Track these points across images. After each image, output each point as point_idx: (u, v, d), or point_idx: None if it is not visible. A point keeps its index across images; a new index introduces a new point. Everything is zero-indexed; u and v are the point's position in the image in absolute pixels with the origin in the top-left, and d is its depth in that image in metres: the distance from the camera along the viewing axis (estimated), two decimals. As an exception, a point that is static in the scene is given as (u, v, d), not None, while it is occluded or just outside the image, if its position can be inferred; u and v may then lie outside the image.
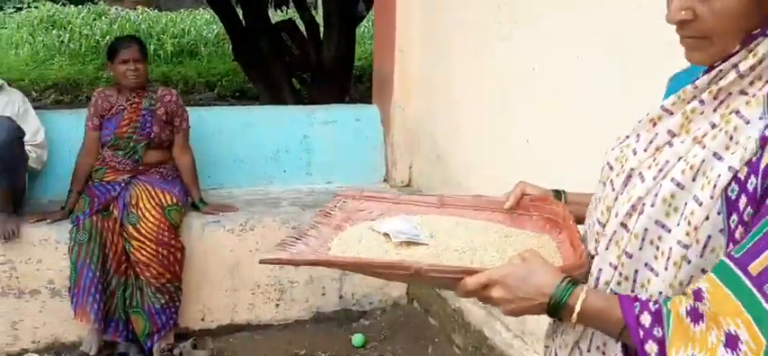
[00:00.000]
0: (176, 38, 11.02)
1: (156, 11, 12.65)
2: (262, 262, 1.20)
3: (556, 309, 1.03)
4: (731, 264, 0.92)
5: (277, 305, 3.51)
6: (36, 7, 12.27)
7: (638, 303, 0.99)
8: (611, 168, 1.12)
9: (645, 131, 1.08)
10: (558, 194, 1.39)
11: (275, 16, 8.95)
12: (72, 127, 3.52)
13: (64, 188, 3.36)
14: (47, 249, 3.13)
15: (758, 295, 0.89)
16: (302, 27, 7.26)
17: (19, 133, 2.99)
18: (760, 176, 0.93)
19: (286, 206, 3.56)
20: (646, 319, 0.97)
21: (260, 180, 3.86)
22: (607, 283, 1.08)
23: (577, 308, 1.01)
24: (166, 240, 3.10)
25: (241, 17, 6.91)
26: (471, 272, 1.09)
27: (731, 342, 0.89)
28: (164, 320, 3.13)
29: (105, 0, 12.98)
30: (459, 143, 3.35)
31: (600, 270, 1.09)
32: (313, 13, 7.23)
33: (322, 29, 6.99)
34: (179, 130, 3.36)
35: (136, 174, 3.24)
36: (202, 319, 3.41)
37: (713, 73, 1.00)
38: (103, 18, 11.70)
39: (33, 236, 3.11)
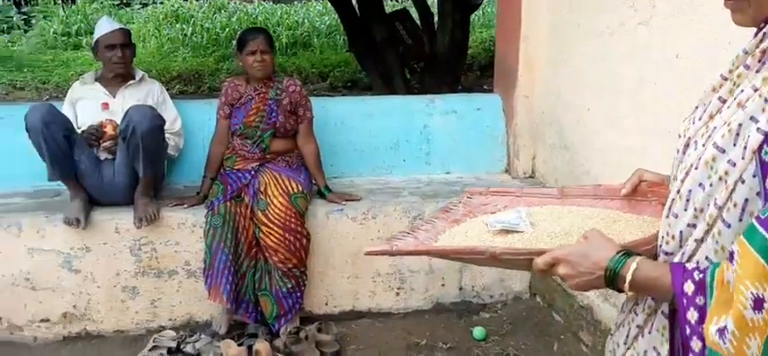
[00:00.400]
0: (291, 29, 11.32)
1: (271, 3, 13.05)
2: (367, 253, 1.35)
3: (612, 280, 1.09)
4: (758, 225, 0.92)
5: (397, 294, 3.52)
6: (161, 3, 12.97)
7: (685, 271, 1.02)
8: (680, 138, 1.16)
9: (707, 100, 1.11)
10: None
11: (389, 6, 9.00)
12: (205, 116, 3.69)
13: (198, 174, 3.52)
14: (184, 232, 3.29)
15: None
16: (416, 16, 7.24)
17: (160, 121, 3.15)
18: None
19: (406, 195, 3.55)
20: (689, 287, 1.00)
21: (380, 169, 3.88)
22: (662, 245, 1.14)
23: (628, 277, 1.07)
24: (293, 226, 3.18)
25: (356, 7, 6.98)
26: (540, 253, 1.17)
27: (758, 303, 0.90)
28: (290, 304, 3.21)
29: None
30: (588, 132, 3.21)
31: (662, 233, 1.15)
32: (427, 1, 7.16)
33: (436, 17, 6.95)
34: (303, 120, 3.43)
35: (263, 163, 3.35)
36: (326, 304, 3.48)
37: (759, 36, 1.02)
38: (223, 11, 12.20)
39: (172, 220, 3.28)
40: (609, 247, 1.12)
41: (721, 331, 0.93)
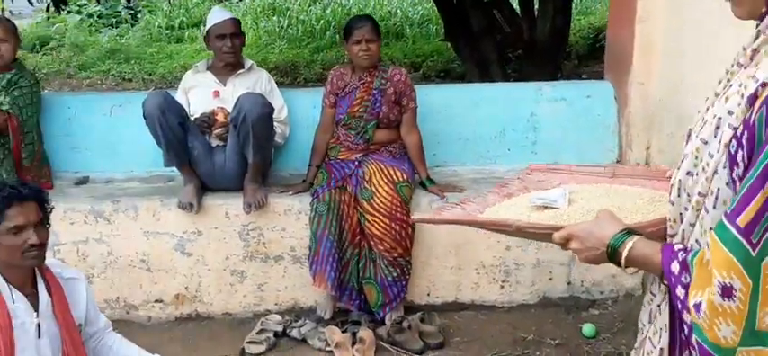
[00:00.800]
0: (383, 20, 11.32)
1: (364, -6, 13.10)
2: (413, 221, 1.72)
3: (612, 255, 1.22)
4: (725, 220, 1.03)
5: (502, 286, 3.43)
6: (259, -4, 13.29)
7: (672, 252, 1.13)
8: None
9: (712, 94, 1.20)
10: None
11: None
12: (309, 105, 3.71)
13: (303, 162, 3.56)
14: (290, 218, 3.33)
15: (746, 244, 1.00)
16: (514, 2, 7.06)
17: (269, 109, 3.19)
18: (748, 132, 1.02)
19: (513, 185, 3.45)
20: (675, 267, 1.11)
21: (484, 158, 3.79)
22: (668, 229, 1.24)
23: (625, 254, 1.19)
24: (399, 215, 3.15)
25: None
26: (558, 228, 1.30)
27: (727, 292, 1.02)
28: (395, 292, 3.19)
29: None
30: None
31: (668, 218, 1.24)
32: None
33: (536, 4, 6.74)
34: (407, 110, 3.39)
35: (367, 153, 3.33)
36: (428, 295, 3.44)
37: (754, 33, 1.10)
38: (318, 3, 12.36)
39: (279, 206, 3.32)
40: (614, 226, 1.23)
41: (697, 306, 1.06)
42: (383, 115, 3.34)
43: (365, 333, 3.09)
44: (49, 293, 2.13)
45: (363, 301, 3.25)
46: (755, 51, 1.09)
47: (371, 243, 3.19)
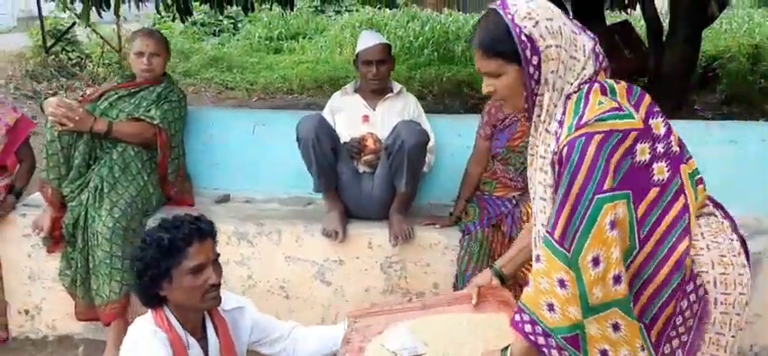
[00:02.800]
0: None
1: (462, 13, 12.96)
2: None
3: None
4: (547, 235, 1.53)
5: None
6: (356, 11, 13.35)
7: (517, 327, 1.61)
8: None
9: None
10: (495, 271, 2.17)
11: (610, 17, 8.51)
12: (452, 131, 3.55)
13: (445, 192, 3.40)
14: (435, 253, 3.17)
15: (562, 249, 1.49)
16: (640, 29, 6.72)
17: (426, 138, 3.05)
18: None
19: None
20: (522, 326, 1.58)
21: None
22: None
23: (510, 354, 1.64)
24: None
25: (571, 16, 6.61)
26: None
27: (562, 284, 1.49)
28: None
29: (409, 2, 13.65)
30: None
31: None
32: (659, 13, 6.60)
33: (666, 30, 6.39)
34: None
35: (526, 191, 3.12)
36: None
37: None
38: (416, 20, 12.29)
39: (424, 240, 3.17)
40: (496, 352, 1.68)
41: (550, 306, 1.51)
42: (545, 150, 3.13)
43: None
44: (216, 334, 2.04)
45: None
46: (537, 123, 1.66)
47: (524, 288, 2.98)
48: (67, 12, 8.71)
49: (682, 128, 3.72)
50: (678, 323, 1.54)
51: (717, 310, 1.57)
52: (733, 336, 1.61)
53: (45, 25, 9.89)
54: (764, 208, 3.36)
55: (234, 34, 13.73)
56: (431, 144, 3.36)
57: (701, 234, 1.61)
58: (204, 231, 1.93)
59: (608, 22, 7.70)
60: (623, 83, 1.65)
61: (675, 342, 1.56)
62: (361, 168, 3.21)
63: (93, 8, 5.82)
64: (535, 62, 1.58)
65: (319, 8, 14.96)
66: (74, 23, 10.06)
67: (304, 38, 12.88)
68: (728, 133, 3.45)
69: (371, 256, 3.20)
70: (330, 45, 12.21)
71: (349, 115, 3.33)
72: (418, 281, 3.20)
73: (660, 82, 6.21)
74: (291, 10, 8.71)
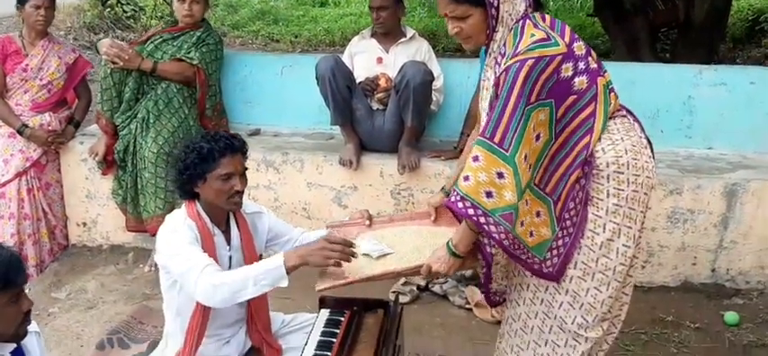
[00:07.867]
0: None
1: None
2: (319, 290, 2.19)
3: (454, 255, 1.98)
4: (484, 139, 1.84)
5: (643, 266, 3.45)
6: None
7: (460, 212, 1.88)
8: None
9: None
10: (444, 192, 2.48)
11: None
12: (463, 75, 3.87)
13: (453, 130, 3.74)
14: (439, 182, 3.50)
15: (501, 150, 1.80)
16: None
17: (430, 77, 3.39)
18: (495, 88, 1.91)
19: (664, 168, 3.44)
20: (464, 211, 1.86)
21: (634, 138, 3.77)
22: None
23: (453, 243, 1.98)
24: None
25: (604, -30, 6.71)
26: (419, 266, 2.06)
27: (500, 175, 1.81)
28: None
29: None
30: None
31: None
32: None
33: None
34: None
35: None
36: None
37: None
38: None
39: (430, 170, 3.53)
40: (443, 247, 2.02)
41: (488, 193, 1.81)
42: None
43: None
44: (238, 229, 2.43)
45: (505, 266, 3.39)
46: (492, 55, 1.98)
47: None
48: (124, -34, 9.19)
49: (674, 70, 3.99)
50: (574, 203, 1.93)
51: (629, 188, 1.90)
52: (642, 212, 1.94)
53: (103, -21, 10.43)
54: (749, 145, 3.58)
55: (281, -12, 14.05)
56: (439, 85, 3.70)
57: (617, 129, 1.95)
58: (236, 147, 2.27)
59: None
60: (548, 17, 1.97)
61: (573, 212, 1.94)
62: (375, 105, 3.58)
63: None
64: (495, 4, 1.90)
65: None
66: (130, -23, 10.58)
67: (350, -9, 13.12)
68: (719, 76, 3.66)
69: (383, 183, 3.59)
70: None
71: (365, 57, 3.70)
72: (425, 206, 3.56)
73: (690, 33, 6.30)
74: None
